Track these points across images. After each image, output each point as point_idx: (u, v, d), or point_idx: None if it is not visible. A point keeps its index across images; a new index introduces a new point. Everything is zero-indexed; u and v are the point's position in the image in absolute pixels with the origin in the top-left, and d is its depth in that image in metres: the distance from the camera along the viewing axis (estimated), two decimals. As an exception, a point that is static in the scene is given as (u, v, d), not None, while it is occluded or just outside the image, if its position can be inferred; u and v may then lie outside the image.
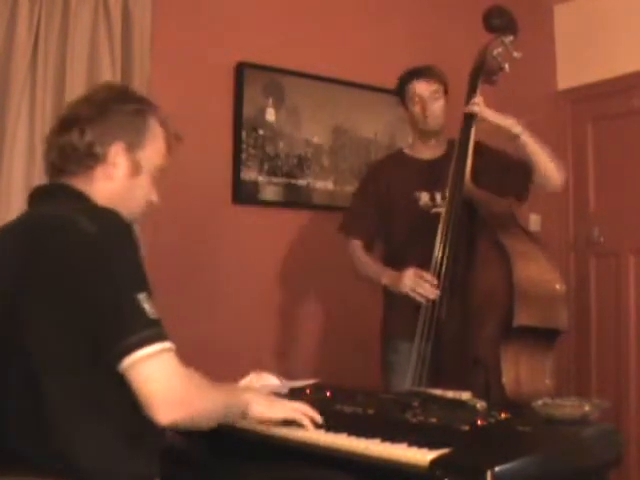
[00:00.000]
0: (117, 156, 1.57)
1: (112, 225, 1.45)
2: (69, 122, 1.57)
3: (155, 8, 3.02)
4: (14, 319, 1.42)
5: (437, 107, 2.73)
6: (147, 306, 1.39)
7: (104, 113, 1.56)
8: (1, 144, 2.73)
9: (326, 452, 1.59)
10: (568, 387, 3.74)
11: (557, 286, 2.43)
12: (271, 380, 2.09)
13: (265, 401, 1.68)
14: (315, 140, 3.55)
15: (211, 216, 3.24)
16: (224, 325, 3.15)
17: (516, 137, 2.54)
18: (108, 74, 2.89)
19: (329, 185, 3.57)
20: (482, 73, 2.63)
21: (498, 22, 2.62)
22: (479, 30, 2.66)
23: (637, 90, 3.70)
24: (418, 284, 2.49)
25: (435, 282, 2.47)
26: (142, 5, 2.97)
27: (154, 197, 1.66)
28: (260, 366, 2.19)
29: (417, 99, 2.73)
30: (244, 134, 3.33)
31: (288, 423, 1.69)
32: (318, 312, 3.51)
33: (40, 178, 2.79)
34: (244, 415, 1.64)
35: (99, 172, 1.56)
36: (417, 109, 2.74)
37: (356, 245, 2.82)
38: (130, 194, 1.60)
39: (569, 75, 4.01)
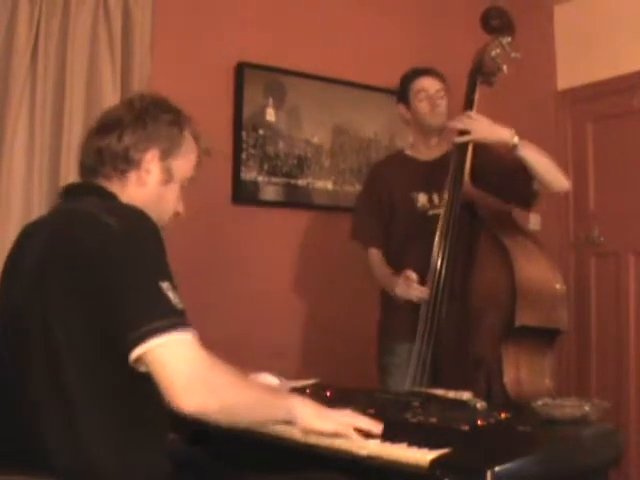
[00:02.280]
0: (151, 163, 1.60)
1: (131, 218, 1.46)
2: (107, 126, 1.60)
3: (155, 8, 3.03)
4: (39, 307, 1.41)
5: (442, 104, 2.74)
6: (171, 295, 1.37)
7: (143, 120, 1.60)
8: (1, 144, 2.73)
9: (326, 452, 1.59)
10: (568, 387, 3.74)
11: (557, 286, 2.43)
12: (271, 380, 2.08)
13: (313, 410, 1.54)
14: (315, 140, 3.54)
15: (211, 216, 3.24)
16: (223, 325, 3.14)
17: (514, 148, 2.49)
18: (108, 74, 2.89)
19: (329, 185, 3.57)
20: (480, 74, 2.62)
21: (496, 23, 2.60)
22: (479, 30, 2.65)
23: (637, 90, 3.69)
24: (408, 290, 2.51)
25: (417, 280, 2.50)
26: (142, 5, 2.98)
27: (181, 208, 1.71)
28: (260, 366, 2.19)
29: (423, 94, 2.73)
30: (244, 134, 3.33)
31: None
32: (318, 312, 3.50)
33: (40, 178, 2.80)
34: (288, 422, 1.53)
35: (132, 177, 1.60)
36: (423, 105, 2.74)
37: (375, 254, 2.81)
38: (160, 201, 1.64)
39: (569, 75, 4.01)
